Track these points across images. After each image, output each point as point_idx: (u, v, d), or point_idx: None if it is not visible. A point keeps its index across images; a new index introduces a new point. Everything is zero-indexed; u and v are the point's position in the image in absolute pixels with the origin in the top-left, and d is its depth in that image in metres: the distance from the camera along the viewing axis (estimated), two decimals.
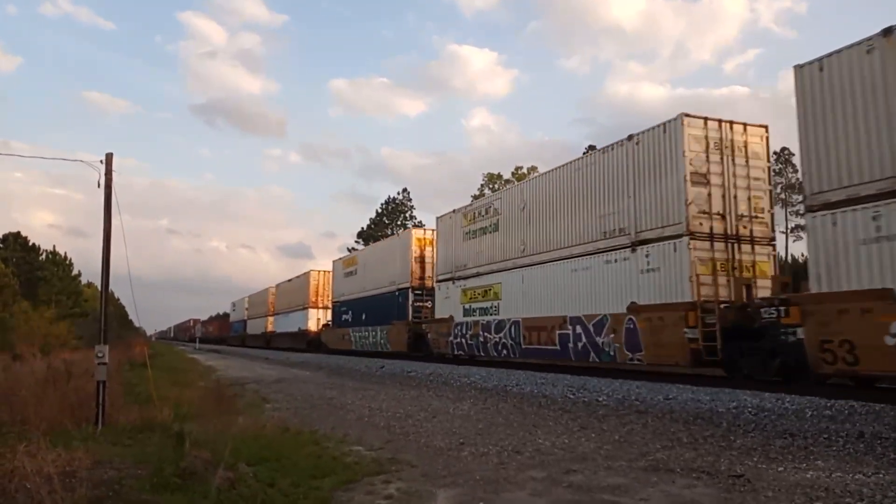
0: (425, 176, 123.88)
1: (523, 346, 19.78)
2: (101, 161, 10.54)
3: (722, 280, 14.36)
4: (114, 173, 10.60)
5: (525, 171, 65.42)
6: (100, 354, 9.79)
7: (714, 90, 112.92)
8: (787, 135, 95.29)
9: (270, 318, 56.21)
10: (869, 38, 10.57)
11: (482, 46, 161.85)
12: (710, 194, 14.54)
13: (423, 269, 28.49)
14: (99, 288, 12.11)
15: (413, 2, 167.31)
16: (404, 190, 78.16)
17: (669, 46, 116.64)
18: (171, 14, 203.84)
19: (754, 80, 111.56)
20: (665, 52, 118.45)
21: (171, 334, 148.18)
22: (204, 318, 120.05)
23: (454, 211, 25.52)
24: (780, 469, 6.48)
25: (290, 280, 51.67)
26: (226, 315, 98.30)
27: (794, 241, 53.28)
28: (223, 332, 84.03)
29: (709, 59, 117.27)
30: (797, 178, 53.03)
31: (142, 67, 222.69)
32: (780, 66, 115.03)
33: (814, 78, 11.55)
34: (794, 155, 53.65)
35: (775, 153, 53.18)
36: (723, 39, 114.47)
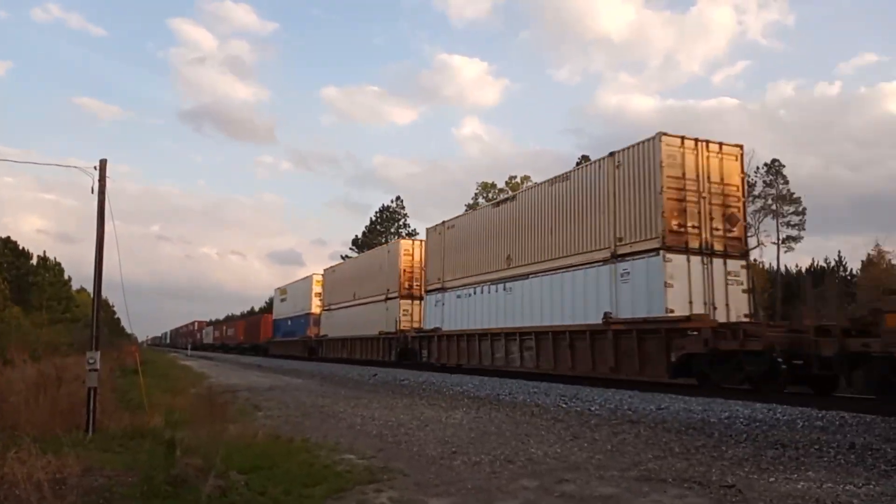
0: (418, 184, 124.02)
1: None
2: (95, 167, 10.54)
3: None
4: (107, 179, 10.61)
5: (519, 180, 65.57)
6: (91, 360, 9.74)
7: (703, 101, 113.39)
8: (773, 147, 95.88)
9: (409, 304, 29.98)
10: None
11: (472, 56, 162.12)
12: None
13: None
14: (91, 293, 12.06)
15: (404, 11, 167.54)
16: (398, 198, 78.06)
17: (659, 58, 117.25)
18: (161, 21, 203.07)
19: (743, 92, 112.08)
20: (654, 64, 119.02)
21: (167, 340, 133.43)
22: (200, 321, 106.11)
23: None
24: (772, 479, 6.50)
25: (501, 202, 23.87)
26: (261, 311, 74.36)
27: (786, 251, 53.38)
28: (257, 337, 57.10)
29: (698, 70, 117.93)
30: (788, 190, 53.26)
31: (133, 74, 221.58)
32: (769, 78, 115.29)
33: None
34: (784, 166, 54.02)
35: (766, 164, 53.57)
36: (711, 51, 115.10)
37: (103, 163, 10.58)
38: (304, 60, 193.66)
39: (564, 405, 13.07)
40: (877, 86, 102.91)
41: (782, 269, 52.47)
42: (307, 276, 44.73)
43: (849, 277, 46.20)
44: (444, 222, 26.61)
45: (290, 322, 47.89)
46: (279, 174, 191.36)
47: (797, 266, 53.43)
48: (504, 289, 21.57)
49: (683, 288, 15.09)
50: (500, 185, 65.64)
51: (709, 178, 15.93)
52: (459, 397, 15.61)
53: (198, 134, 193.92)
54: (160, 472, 6.12)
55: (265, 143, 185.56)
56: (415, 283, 30.21)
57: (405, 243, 31.59)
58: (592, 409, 12.43)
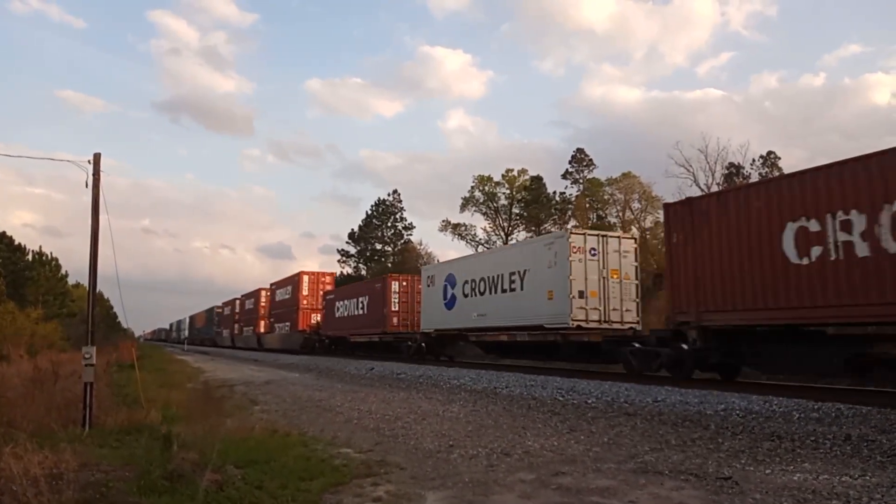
0: (405, 177, 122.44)
1: None
2: (89, 161, 10.50)
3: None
4: (101, 173, 10.57)
5: (516, 174, 65.71)
6: (87, 356, 9.73)
7: (688, 93, 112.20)
8: (762, 139, 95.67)
9: None
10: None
11: (455, 47, 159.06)
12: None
13: None
14: (87, 288, 12.03)
15: (383, 2, 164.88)
16: (394, 191, 77.78)
17: (642, 49, 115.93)
18: (141, 12, 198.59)
19: (727, 83, 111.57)
20: (638, 55, 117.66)
21: (185, 332, 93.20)
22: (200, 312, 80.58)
23: None
24: (768, 471, 6.52)
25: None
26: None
27: None
28: None
29: (682, 62, 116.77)
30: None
31: (116, 66, 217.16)
32: (752, 70, 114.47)
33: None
34: (780, 158, 54.24)
35: (762, 156, 53.87)
36: (695, 43, 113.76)
37: (97, 156, 10.54)
38: (286, 52, 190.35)
39: (561, 398, 13.09)
40: (861, 77, 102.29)
41: None
42: None
43: None
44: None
45: None
46: (266, 167, 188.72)
47: None
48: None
49: None
50: (497, 178, 65.73)
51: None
52: (456, 391, 15.62)
53: (179, 127, 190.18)
54: (157, 467, 6.13)
55: (245, 135, 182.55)
56: None
57: None
58: (589, 401, 12.45)
